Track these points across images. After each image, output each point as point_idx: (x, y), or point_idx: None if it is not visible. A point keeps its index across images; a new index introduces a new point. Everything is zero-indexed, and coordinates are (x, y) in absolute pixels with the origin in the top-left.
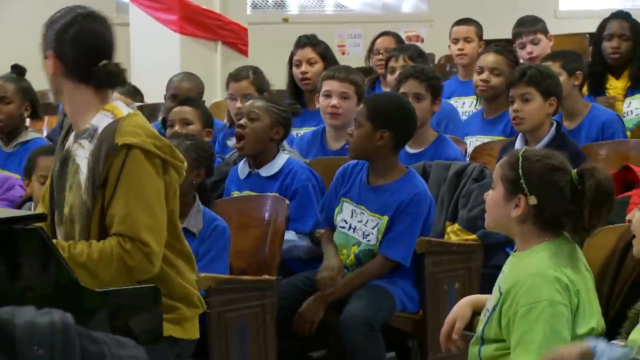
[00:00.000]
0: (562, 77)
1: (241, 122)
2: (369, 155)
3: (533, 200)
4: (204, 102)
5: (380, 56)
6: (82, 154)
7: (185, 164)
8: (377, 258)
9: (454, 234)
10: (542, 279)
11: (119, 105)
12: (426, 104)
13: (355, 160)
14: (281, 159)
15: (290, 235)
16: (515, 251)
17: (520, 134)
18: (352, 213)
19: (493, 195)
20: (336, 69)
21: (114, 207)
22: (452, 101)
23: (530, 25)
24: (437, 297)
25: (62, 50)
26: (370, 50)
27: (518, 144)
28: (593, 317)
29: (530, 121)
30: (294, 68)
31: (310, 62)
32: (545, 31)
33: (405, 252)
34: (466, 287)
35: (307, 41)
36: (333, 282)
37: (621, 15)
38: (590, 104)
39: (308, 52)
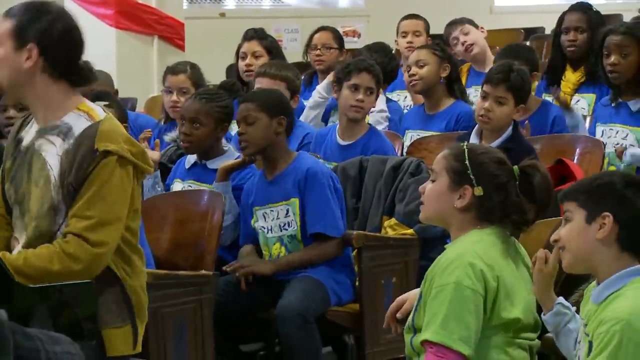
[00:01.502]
0: None
1: (185, 130)
2: (267, 146)
3: (479, 191)
4: (117, 90)
5: (318, 51)
6: (51, 150)
7: (152, 168)
8: (312, 243)
9: (391, 228)
10: (457, 263)
11: (93, 106)
12: (374, 98)
13: (247, 170)
14: (230, 157)
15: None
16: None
17: (475, 128)
18: (265, 216)
19: (435, 187)
20: (267, 65)
21: (77, 208)
22: (395, 94)
23: (457, 22)
24: (374, 292)
25: (47, 45)
26: (308, 46)
27: (473, 139)
28: (520, 307)
29: (497, 123)
30: (239, 60)
31: (255, 55)
32: (472, 23)
33: (329, 221)
34: (403, 281)
35: (255, 34)
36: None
37: (579, 8)
38: (541, 99)
39: (254, 45)
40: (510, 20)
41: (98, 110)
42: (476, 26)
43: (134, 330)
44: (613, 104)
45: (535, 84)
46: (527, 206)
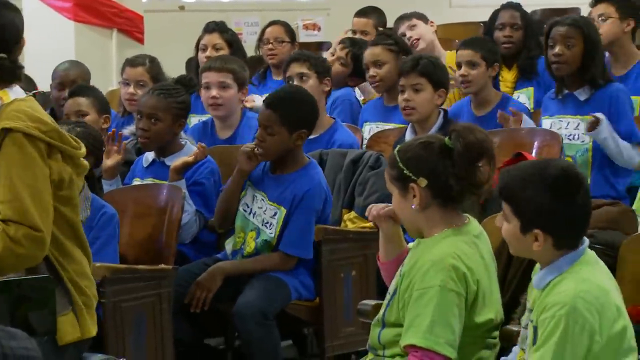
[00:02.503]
0: (481, 68)
1: (142, 125)
2: (283, 155)
3: (423, 181)
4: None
5: (270, 45)
6: None
7: (83, 149)
8: (279, 253)
9: (351, 221)
10: (439, 265)
11: (9, 91)
12: (312, 83)
13: (204, 164)
14: (188, 152)
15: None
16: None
17: (409, 125)
18: (254, 198)
19: (394, 203)
20: (212, 59)
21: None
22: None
23: (405, 17)
24: (333, 285)
25: None
26: (260, 40)
27: (408, 135)
28: (493, 307)
29: (420, 111)
30: (199, 52)
31: (216, 48)
32: (420, 17)
33: (305, 246)
34: (363, 275)
35: (216, 27)
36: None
37: (512, 6)
38: (501, 93)
39: (215, 38)
40: (469, 14)
41: (12, 94)
42: (426, 20)
43: (76, 316)
44: (560, 96)
45: (492, 74)
46: (469, 169)
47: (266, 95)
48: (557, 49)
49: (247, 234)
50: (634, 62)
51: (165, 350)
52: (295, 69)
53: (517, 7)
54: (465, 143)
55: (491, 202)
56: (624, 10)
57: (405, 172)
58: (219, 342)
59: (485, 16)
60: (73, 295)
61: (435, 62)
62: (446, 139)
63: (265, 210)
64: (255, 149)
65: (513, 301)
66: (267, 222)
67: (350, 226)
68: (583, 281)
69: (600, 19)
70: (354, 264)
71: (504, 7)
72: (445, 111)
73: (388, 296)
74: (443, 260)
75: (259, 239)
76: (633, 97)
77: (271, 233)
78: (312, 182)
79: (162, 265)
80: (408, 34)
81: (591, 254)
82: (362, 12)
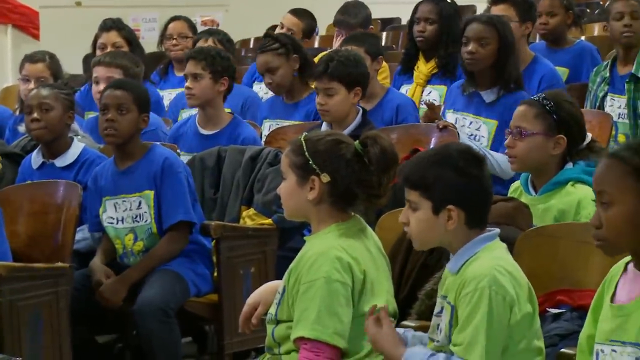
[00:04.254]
0: (366, 62)
1: (35, 116)
2: (129, 137)
3: (326, 177)
4: None
5: (174, 41)
6: None
7: None
8: (167, 235)
9: (250, 218)
10: (324, 257)
11: None
12: (206, 83)
13: (102, 161)
14: (76, 148)
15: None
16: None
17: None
18: (116, 207)
19: (286, 186)
20: (103, 54)
21: None
22: (263, 85)
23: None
24: (233, 282)
25: None
26: (163, 35)
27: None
28: (382, 297)
29: (334, 114)
30: (98, 51)
31: (115, 46)
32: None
33: (184, 209)
34: (262, 271)
35: (113, 25)
36: (98, 284)
37: (431, 0)
38: (387, 87)
39: (114, 36)
40: (375, 11)
41: None
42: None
43: None
44: (465, 93)
45: (377, 68)
46: (376, 177)
47: (169, 90)
48: (470, 47)
49: (123, 240)
50: (527, 64)
51: (62, 349)
52: (191, 67)
53: (437, 1)
54: (380, 151)
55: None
56: (524, 13)
57: (310, 163)
58: (113, 339)
59: (383, 13)
60: None
61: (346, 61)
62: (356, 143)
63: (130, 207)
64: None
65: (411, 297)
66: (137, 216)
67: (249, 223)
68: (497, 258)
69: None
70: (253, 261)
71: (423, 0)
72: (364, 110)
73: (278, 295)
74: (327, 253)
75: (141, 235)
76: None
77: (147, 221)
78: (164, 154)
79: (59, 264)
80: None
81: (503, 244)
82: (296, 12)
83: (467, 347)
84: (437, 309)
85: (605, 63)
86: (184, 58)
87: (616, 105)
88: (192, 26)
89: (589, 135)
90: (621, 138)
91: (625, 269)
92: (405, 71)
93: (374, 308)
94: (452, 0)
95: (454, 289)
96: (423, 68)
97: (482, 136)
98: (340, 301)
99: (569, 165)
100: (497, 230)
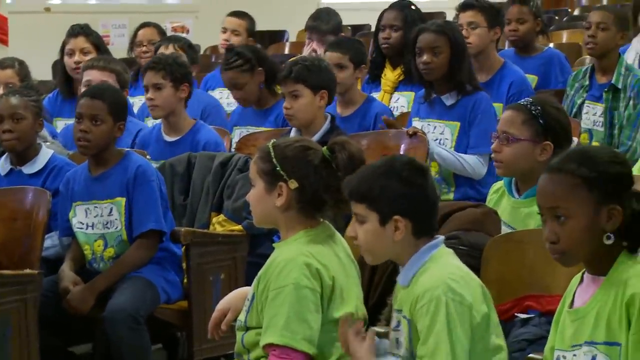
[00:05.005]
0: (349, 70)
1: (7, 127)
2: (104, 147)
3: (294, 184)
4: None
5: (145, 48)
6: None
7: None
8: (135, 243)
9: (220, 224)
10: (292, 264)
11: None
12: (168, 92)
13: (70, 168)
14: (45, 155)
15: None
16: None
17: (293, 128)
18: (87, 212)
19: (254, 193)
20: (95, 59)
21: None
22: (217, 92)
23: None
24: (203, 288)
25: None
26: (133, 42)
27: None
28: (351, 303)
29: (300, 117)
30: (66, 57)
31: (84, 52)
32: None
33: (155, 218)
34: (232, 277)
35: (81, 30)
36: (65, 292)
37: (396, 6)
38: (367, 94)
39: (81, 42)
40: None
41: None
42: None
43: None
44: (428, 101)
45: (358, 76)
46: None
47: (139, 97)
48: (424, 57)
49: (92, 245)
50: (496, 70)
51: (31, 356)
52: (150, 78)
53: (402, 7)
54: (348, 157)
55: None
56: (492, 19)
57: (278, 169)
58: (86, 349)
59: (352, 19)
60: None
61: (311, 65)
62: (324, 149)
63: (101, 214)
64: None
65: (380, 303)
66: (108, 222)
67: (219, 229)
68: (446, 265)
69: (470, 27)
70: (222, 267)
71: (389, 7)
72: (333, 117)
73: (247, 302)
74: (296, 259)
75: (112, 242)
76: (496, 104)
77: (117, 228)
78: (138, 162)
79: (28, 270)
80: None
81: (449, 249)
82: (236, 14)
83: (431, 357)
84: (394, 324)
85: (584, 69)
86: None
87: (592, 113)
88: (162, 32)
89: (575, 140)
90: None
91: (582, 279)
92: (373, 79)
93: (349, 317)
94: (416, 7)
95: (408, 302)
96: (390, 75)
97: (446, 139)
98: (310, 307)
99: None
100: (442, 237)
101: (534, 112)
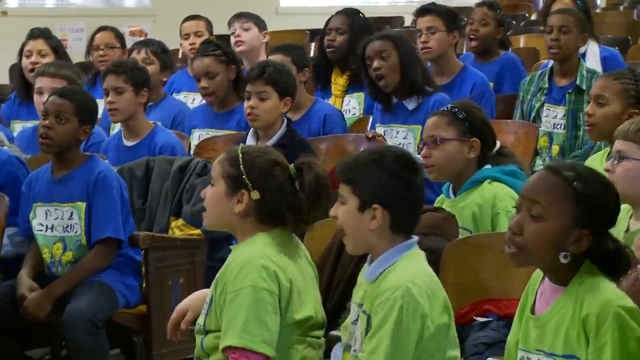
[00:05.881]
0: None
1: None
2: (66, 146)
3: (256, 195)
4: None
5: (101, 52)
6: None
7: None
8: (93, 249)
9: (178, 228)
10: (249, 266)
11: None
12: (128, 96)
13: (12, 161)
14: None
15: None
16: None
17: (251, 130)
18: (47, 214)
19: (214, 193)
20: (47, 64)
21: None
22: (182, 96)
23: (242, 16)
24: (161, 293)
25: None
26: (90, 46)
27: (250, 140)
28: (310, 305)
29: (264, 119)
30: (24, 59)
31: (41, 54)
32: (257, 22)
33: (113, 226)
34: (191, 282)
35: (40, 33)
36: (22, 298)
37: (344, 12)
38: (315, 97)
39: (40, 44)
40: (295, 21)
41: None
42: (261, 25)
43: None
44: (389, 108)
45: (302, 79)
46: (306, 204)
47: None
48: (375, 64)
49: (51, 248)
50: (456, 73)
51: None
52: (111, 82)
53: (349, 14)
54: (314, 178)
55: None
56: (450, 23)
57: (244, 177)
58: (43, 353)
59: (311, 24)
60: None
61: (282, 70)
62: (291, 167)
63: (62, 216)
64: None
65: (339, 307)
66: (68, 226)
67: (178, 233)
68: (414, 269)
69: (429, 32)
70: (181, 271)
71: (336, 12)
72: (289, 120)
73: (206, 305)
74: (253, 261)
75: (71, 246)
76: None
77: (77, 232)
78: (100, 167)
79: None
80: (237, 31)
81: (421, 252)
82: (191, 18)
83: (369, 355)
84: (352, 318)
85: (539, 73)
86: None
87: (552, 116)
88: (119, 36)
89: (498, 142)
90: (555, 148)
91: (543, 277)
92: (322, 87)
93: None
94: (364, 16)
95: (370, 298)
96: (339, 80)
97: (409, 143)
98: (268, 309)
99: (488, 166)
100: (416, 238)
101: (456, 113)
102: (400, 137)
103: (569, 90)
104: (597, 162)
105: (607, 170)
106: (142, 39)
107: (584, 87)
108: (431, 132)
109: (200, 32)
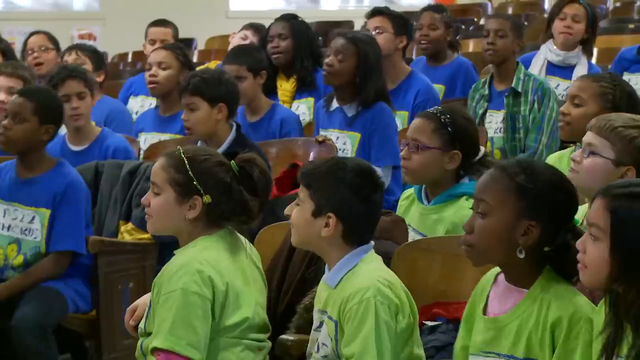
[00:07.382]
0: (249, 80)
1: None
2: (26, 147)
3: (208, 199)
4: None
5: (35, 54)
6: None
7: None
8: (49, 257)
9: (128, 233)
10: (184, 269)
11: None
12: (89, 100)
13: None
14: None
15: None
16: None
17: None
18: (5, 212)
19: (163, 201)
20: (3, 64)
21: None
22: (140, 99)
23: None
24: (111, 297)
25: None
26: (24, 50)
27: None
28: (248, 308)
29: (199, 129)
30: None
31: None
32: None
33: (77, 239)
34: (141, 286)
35: None
36: None
37: (282, 18)
38: (273, 102)
39: None
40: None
41: None
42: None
43: None
44: (330, 110)
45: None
46: (251, 201)
47: None
48: (328, 59)
49: (5, 249)
50: (403, 78)
51: None
52: (74, 87)
53: (287, 19)
54: (259, 173)
55: None
56: (399, 26)
57: (195, 183)
58: None
59: None
60: None
61: (209, 78)
62: (233, 164)
63: (22, 219)
64: None
65: (289, 311)
66: (27, 229)
67: (128, 238)
68: (376, 269)
69: (376, 31)
70: (131, 276)
71: (277, 19)
72: (239, 125)
73: (146, 308)
74: (188, 265)
75: (26, 250)
76: (401, 112)
77: (36, 238)
78: (70, 176)
79: None
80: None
81: (378, 256)
82: (160, 22)
83: (359, 358)
84: (315, 324)
85: (483, 80)
86: (46, 73)
87: (494, 121)
88: (52, 38)
89: (482, 149)
90: (497, 153)
91: (496, 280)
92: (267, 92)
93: None
94: (302, 19)
95: (337, 303)
96: (286, 85)
97: (347, 149)
98: (197, 313)
99: (465, 180)
100: (372, 242)
101: (443, 120)
102: (340, 142)
103: (506, 94)
104: (564, 160)
105: (574, 160)
106: (92, 42)
107: (520, 90)
108: (415, 135)
109: (167, 41)
